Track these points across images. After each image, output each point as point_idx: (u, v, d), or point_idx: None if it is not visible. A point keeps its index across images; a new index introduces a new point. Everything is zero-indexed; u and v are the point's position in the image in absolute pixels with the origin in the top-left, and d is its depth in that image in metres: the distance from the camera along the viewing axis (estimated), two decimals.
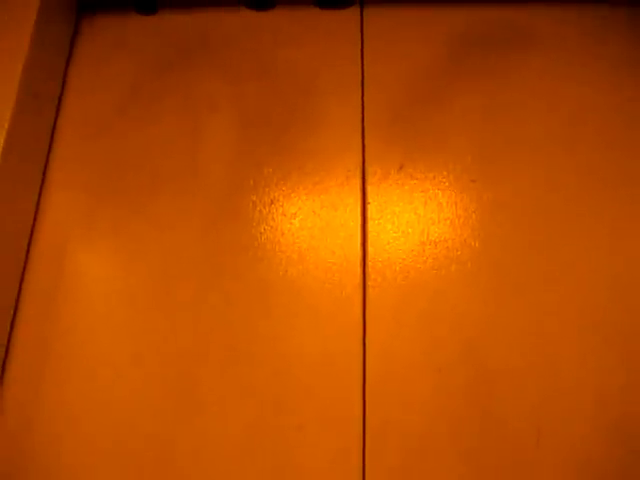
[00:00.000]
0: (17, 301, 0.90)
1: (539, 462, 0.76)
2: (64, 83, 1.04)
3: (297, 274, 0.86)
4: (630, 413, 0.77)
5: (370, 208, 0.87)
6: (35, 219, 0.95)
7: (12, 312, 0.91)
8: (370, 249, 0.85)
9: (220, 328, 0.86)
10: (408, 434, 0.79)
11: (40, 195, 0.96)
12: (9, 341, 0.90)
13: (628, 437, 0.76)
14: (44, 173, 0.98)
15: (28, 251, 0.93)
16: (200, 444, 0.83)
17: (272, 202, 0.89)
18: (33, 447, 0.84)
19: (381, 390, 0.81)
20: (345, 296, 0.84)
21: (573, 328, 0.81)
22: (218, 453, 0.82)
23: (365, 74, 0.93)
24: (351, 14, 0.99)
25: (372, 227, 0.86)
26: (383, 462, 0.79)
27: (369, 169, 0.89)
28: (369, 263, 0.85)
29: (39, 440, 0.84)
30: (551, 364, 0.80)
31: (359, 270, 0.85)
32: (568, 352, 0.80)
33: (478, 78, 0.94)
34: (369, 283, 0.84)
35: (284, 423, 0.82)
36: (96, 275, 0.91)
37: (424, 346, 0.82)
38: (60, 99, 1.02)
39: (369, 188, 0.88)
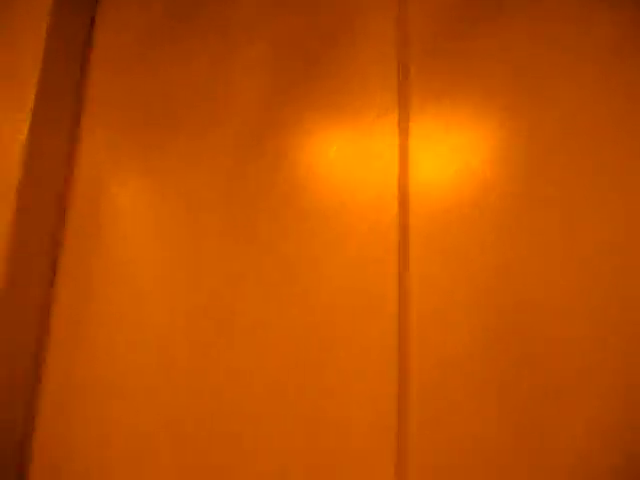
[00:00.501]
0: (62, 235, 0.92)
1: (578, 400, 0.74)
2: (93, 20, 1.03)
3: (333, 205, 0.85)
4: None
5: (408, 139, 0.84)
6: (71, 156, 0.96)
7: (56, 247, 0.94)
8: (409, 179, 0.83)
9: (254, 260, 0.86)
10: (446, 358, 0.78)
11: (74, 134, 0.97)
12: (55, 275, 0.93)
13: None
14: (77, 112, 0.98)
15: (67, 186, 0.95)
16: (234, 374, 0.84)
17: (307, 133, 0.87)
18: (83, 364, 0.88)
19: (419, 316, 0.81)
20: (383, 226, 0.83)
21: (620, 265, 0.78)
22: (252, 383, 0.83)
23: (402, 3, 0.89)
24: None
25: (411, 157, 0.84)
26: (420, 383, 0.79)
27: (408, 98, 0.86)
28: (407, 194, 0.83)
29: (85, 360, 0.88)
30: (595, 302, 0.77)
31: (396, 200, 0.83)
32: (614, 290, 0.77)
33: (524, 6, 0.89)
34: (406, 215, 0.83)
35: (318, 348, 0.82)
36: (130, 208, 0.92)
37: (463, 276, 0.80)
38: (90, 36, 1.02)
39: (408, 118, 0.85)
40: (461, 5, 0.90)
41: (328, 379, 0.82)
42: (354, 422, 0.81)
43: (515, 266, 0.80)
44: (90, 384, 0.89)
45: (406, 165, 0.84)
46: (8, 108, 0.90)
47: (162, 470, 0.86)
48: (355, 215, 0.84)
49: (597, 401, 0.74)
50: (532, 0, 0.88)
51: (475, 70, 0.86)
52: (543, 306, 0.78)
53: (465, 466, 0.78)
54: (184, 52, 0.94)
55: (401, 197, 0.84)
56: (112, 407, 0.88)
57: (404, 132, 0.85)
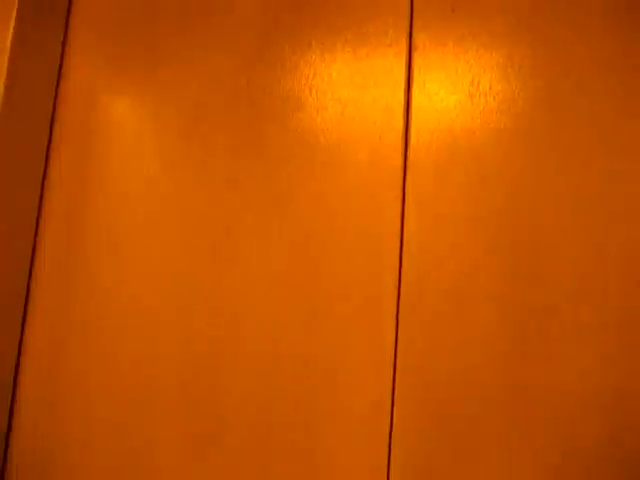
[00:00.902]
0: (47, 150, 0.88)
1: (578, 330, 0.74)
2: None
3: (335, 123, 0.81)
4: None
5: (416, 53, 0.80)
6: (61, 65, 0.90)
7: (43, 165, 0.90)
8: (415, 98, 0.79)
9: (256, 182, 0.83)
10: (444, 285, 0.77)
11: (65, 41, 0.92)
12: (42, 196, 0.89)
13: None
14: (67, 18, 0.92)
15: (55, 99, 0.90)
16: (232, 292, 0.83)
17: (310, 45, 0.82)
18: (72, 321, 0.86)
19: (418, 244, 0.77)
20: (385, 148, 0.79)
21: (624, 199, 0.75)
22: (250, 308, 0.82)
23: None
24: None
25: (418, 74, 0.80)
26: (417, 313, 0.77)
27: (418, 12, 0.81)
28: (413, 113, 0.79)
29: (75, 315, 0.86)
30: (598, 232, 0.75)
31: (401, 121, 0.80)
32: (616, 222, 0.74)
33: None
34: (411, 135, 0.79)
35: (315, 272, 0.80)
36: (127, 123, 0.88)
37: (466, 202, 0.77)
38: None
39: (416, 31, 0.81)
40: None
41: (326, 311, 0.81)
42: (352, 357, 0.80)
43: (516, 189, 0.77)
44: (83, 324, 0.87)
45: (411, 82, 0.80)
46: None
47: (156, 426, 0.85)
48: (359, 134, 0.80)
49: (595, 327, 0.74)
50: None
51: None
52: (548, 235, 0.76)
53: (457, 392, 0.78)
54: None
55: (406, 115, 0.80)
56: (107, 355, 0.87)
57: (412, 47, 0.80)
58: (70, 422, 0.87)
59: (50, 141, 0.90)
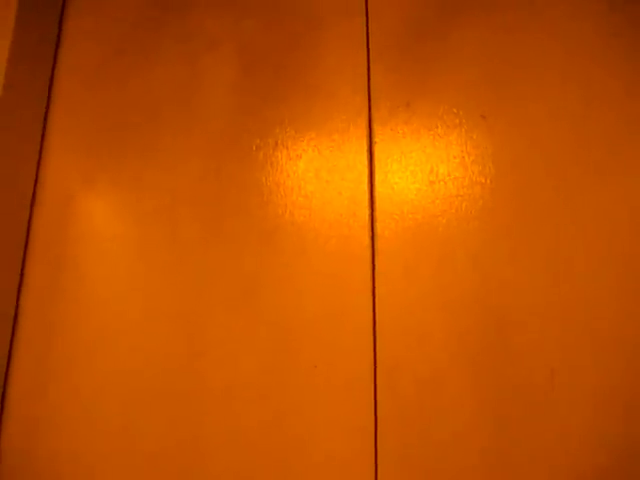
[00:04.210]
0: (26, 246, 0.91)
1: (554, 402, 0.75)
2: (60, 30, 1.01)
3: (303, 217, 0.84)
4: None
5: (377, 147, 0.85)
6: (39, 165, 0.94)
7: (21, 258, 0.92)
8: (378, 189, 0.83)
9: (225, 272, 0.85)
10: (419, 374, 0.78)
11: (42, 142, 0.96)
12: (20, 289, 0.91)
13: None
14: (45, 120, 0.97)
15: (34, 197, 0.93)
16: (206, 385, 0.83)
17: (276, 144, 0.87)
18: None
19: (392, 331, 0.80)
20: (353, 238, 0.83)
21: (589, 267, 0.78)
22: (225, 393, 0.83)
23: (369, 6, 0.89)
24: None
25: (379, 167, 0.84)
26: (395, 400, 0.78)
27: (375, 107, 0.86)
28: (377, 203, 0.83)
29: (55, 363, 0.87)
30: (566, 305, 0.77)
31: (367, 211, 0.83)
32: (584, 293, 0.77)
33: (489, 11, 0.89)
34: (377, 224, 0.83)
35: (292, 362, 0.82)
36: (101, 219, 0.91)
37: (435, 287, 0.80)
38: (57, 45, 1.00)
39: (376, 127, 0.85)
40: (431, 6, 0.90)
41: (301, 404, 0.82)
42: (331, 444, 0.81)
43: (482, 271, 0.80)
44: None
45: (374, 174, 0.84)
46: None
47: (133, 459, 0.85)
48: (325, 225, 0.84)
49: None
50: (495, 8, 0.89)
51: (446, 74, 0.87)
52: (518, 315, 0.78)
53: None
54: (152, 60, 0.94)
55: (371, 206, 0.84)
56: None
57: (372, 142, 0.85)
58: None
59: (27, 237, 0.93)
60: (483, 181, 0.82)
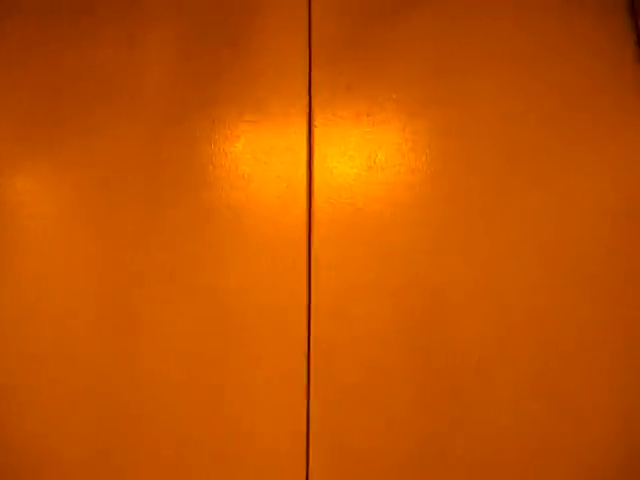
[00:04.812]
0: None
1: (480, 386, 0.77)
2: None
3: (240, 198, 0.83)
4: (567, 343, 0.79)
5: (317, 131, 0.84)
6: None
7: None
8: (316, 173, 0.83)
9: (161, 252, 0.83)
10: (353, 355, 0.78)
11: None
12: None
13: (564, 362, 0.78)
14: None
15: None
16: (137, 368, 0.82)
17: (214, 122, 0.85)
18: None
19: (326, 314, 0.79)
20: (290, 221, 0.82)
21: (521, 256, 0.80)
22: (156, 377, 0.81)
23: None
24: None
25: (318, 150, 0.83)
26: (328, 382, 0.79)
27: (316, 90, 0.85)
28: (315, 187, 0.83)
29: None
30: (498, 292, 0.79)
31: (304, 195, 0.82)
32: (515, 281, 0.79)
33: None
34: (315, 208, 0.82)
35: (225, 345, 0.81)
36: (33, 199, 0.86)
37: (371, 271, 0.80)
38: None
39: (316, 110, 0.85)
40: None
41: (234, 381, 0.80)
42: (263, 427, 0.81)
43: (416, 256, 0.80)
44: None
45: (312, 158, 0.83)
46: None
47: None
48: (263, 208, 0.83)
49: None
50: None
51: (388, 60, 0.87)
52: (450, 301, 0.79)
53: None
54: (87, 36, 0.89)
55: (309, 190, 0.83)
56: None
57: (312, 125, 0.84)
58: None
59: None
60: (420, 168, 0.83)
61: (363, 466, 0.77)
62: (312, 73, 0.86)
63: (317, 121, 0.84)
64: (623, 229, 0.77)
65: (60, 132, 0.88)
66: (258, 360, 0.80)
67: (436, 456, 0.77)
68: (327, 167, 0.83)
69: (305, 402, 0.79)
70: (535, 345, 0.77)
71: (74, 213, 0.85)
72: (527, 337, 0.78)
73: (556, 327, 0.77)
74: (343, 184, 0.83)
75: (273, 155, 0.83)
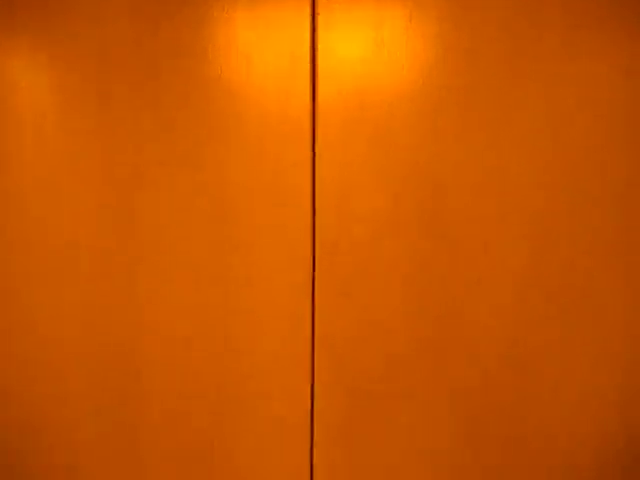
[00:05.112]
0: None
1: (486, 269, 0.77)
2: None
3: (242, 76, 0.79)
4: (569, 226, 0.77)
5: (320, 3, 0.79)
6: None
7: None
8: (320, 48, 0.79)
9: (159, 139, 0.80)
10: (357, 238, 0.78)
11: None
12: None
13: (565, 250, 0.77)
14: None
15: None
16: (142, 255, 0.82)
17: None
18: None
19: (329, 194, 0.78)
20: (294, 96, 0.78)
21: (526, 140, 0.77)
22: (159, 261, 0.81)
23: None
24: None
25: (322, 25, 0.79)
26: (332, 265, 0.78)
27: None
28: (319, 62, 0.78)
29: None
30: (502, 176, 0.77)
31: (308, 70, 0.78)
32: (520, 165, 0.77)
33: None
34: (319, 83, 0.78)
35: (230, 235, 0.80)
36: (25, 90, 0.83)
37: (375, 154, 0.78)
38: None
39: None
40: None
41: (238, 268, 0.80)
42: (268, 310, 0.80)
43: (421, 137, 0.78)
44: None
45: (316, 43, 0.79)
46: None
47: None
48: (265, 87, 0.79)
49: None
50: None
51: None
52: (455, 191, 0.77)
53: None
54: None
55: (312, 70, 0.79)
56: None
57: (315, 13, 0.79)
58: None
59: None
60: (428, 57, 0.78)
61: (365, 349, 0.79)
62: None
63: (320, 8, 0.79)
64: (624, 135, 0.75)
65: (49, 7, 0.84)
66: (263, 247, 0.79)
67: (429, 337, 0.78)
68: (332, 42, 0.79)
69: (310, 284, 0.79)
70: (543, 230, 0.77)
71: (66, 99, 0.82)
72: (533, 222, 0.77)
73: (553, 221, 0.77)
74: (348, 59, 0.79)
75: (275, 30, 0.79)
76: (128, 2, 0.80)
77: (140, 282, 0.81)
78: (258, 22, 0.79)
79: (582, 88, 0.76)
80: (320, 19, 0.79)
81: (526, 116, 0.77)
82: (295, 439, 0.80)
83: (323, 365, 0.79)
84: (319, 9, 0.79)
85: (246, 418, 0.81)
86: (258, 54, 0.79)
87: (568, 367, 0.77)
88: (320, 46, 0.79)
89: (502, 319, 0.77)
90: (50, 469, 0.86)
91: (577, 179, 0.76)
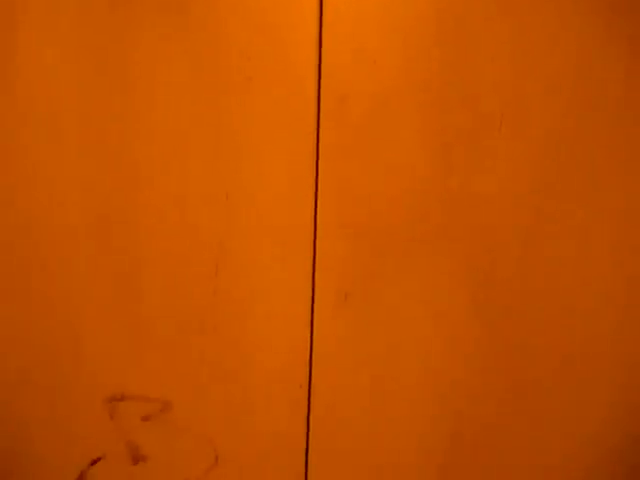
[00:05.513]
0: None
1: (502, 143, 0.77)
2: None
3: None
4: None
5: None
6: None
7: None
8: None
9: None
10: (368, 96, 0.77)
11: None
12: None
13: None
14: None
15: None
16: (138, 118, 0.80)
17: None
18: None
19: (339, 51, 0.78)
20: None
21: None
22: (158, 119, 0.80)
23: None
24: None
25: None
26: (340, 125, 0.78)
27: None
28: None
29: None
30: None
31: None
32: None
33: None
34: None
35: (231, 75, 0.79)
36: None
37: (387, 6, 0.76)
38: None
39: None
40: None
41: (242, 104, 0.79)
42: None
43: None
44: None
45: None
46: None
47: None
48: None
49: None
50: None
51: None
52: (471, 32, 0.76)
53: None
54: None
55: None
56: None
57: None
58: None
59: None
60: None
61: (370, 203, 0.79)
62: None
63: None
64: None
65: None
66: (266, 104, 0.79)
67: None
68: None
69: (314, 144, 0.79)
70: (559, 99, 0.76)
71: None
72: (549, 95, 0.76)
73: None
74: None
75: None
76: None
77: (136, 139, 0.80)
78: None
79: None
80: None
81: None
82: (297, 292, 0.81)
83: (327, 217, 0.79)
84: None
85: (247, 280, 0.81)
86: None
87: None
88: None
89: (527, 171, 0.77)
90: (53, 338, 0.84)
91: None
